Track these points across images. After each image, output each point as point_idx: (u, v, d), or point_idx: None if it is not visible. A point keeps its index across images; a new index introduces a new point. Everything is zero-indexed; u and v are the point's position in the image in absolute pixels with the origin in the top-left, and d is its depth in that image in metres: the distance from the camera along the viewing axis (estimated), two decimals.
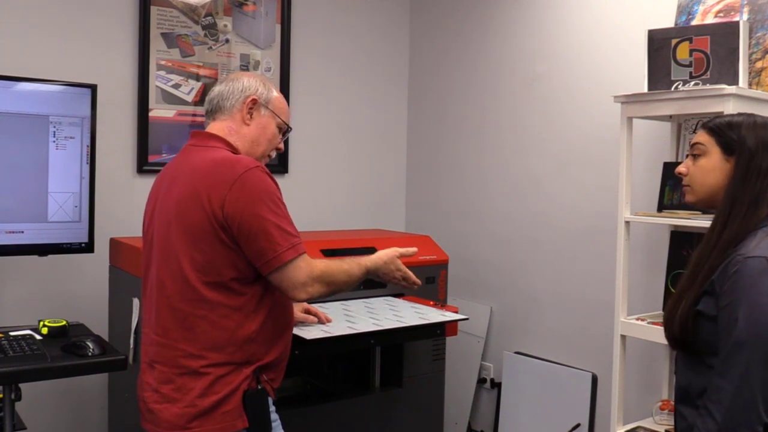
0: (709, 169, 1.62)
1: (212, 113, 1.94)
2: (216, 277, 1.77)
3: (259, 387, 1.83)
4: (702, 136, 1.65)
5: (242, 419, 1.79)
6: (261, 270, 1.78)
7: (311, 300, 1.89)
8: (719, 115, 1.74)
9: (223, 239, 1.75)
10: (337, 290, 1.90)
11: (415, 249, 2.11)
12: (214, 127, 1.92)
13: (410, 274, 2.08)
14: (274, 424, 1.88)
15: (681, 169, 1.69)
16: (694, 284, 1.54)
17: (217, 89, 1.95)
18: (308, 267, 1.80)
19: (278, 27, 3.49)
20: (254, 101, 1.91)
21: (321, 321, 2.29)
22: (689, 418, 1.55)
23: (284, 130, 2.01)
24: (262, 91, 1.93)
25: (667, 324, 1.59)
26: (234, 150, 1.88)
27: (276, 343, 1.88)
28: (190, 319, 1.78)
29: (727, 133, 1.60)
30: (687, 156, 1.69)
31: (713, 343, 1.48)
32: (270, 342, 1.86)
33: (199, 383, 1.78)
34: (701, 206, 1.70)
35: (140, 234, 2.99)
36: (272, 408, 1.89)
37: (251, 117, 1.92)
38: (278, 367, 1.92)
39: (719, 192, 1.60)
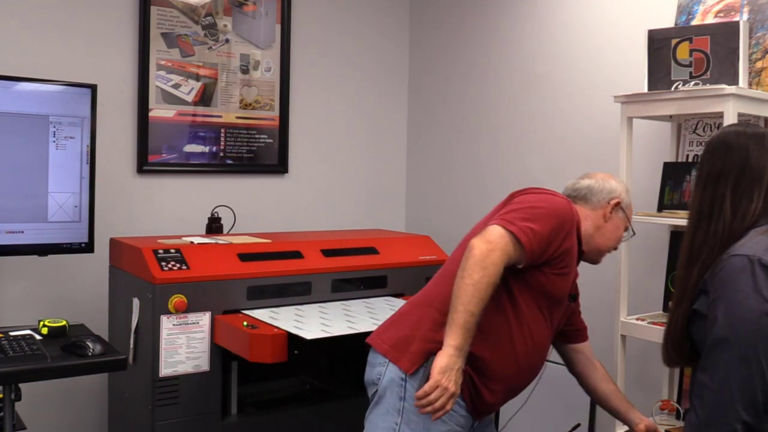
0: None
1: (574, 198, 2.07)
2: None
3: None
4: None
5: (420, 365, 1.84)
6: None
7: (469, 250, 1.81)
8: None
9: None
10: (475, 279, 1.76)
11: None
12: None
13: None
14: (453, 414, 1.84)
15: None
16: (683, 300, 1.54)
17: (586, 183, 2.09)
18: (504, 243, 1.77)
19: (278, 27, 3.49)
20: (618, 204, 2.06)
21: None
22: None
23: (629, 230, 2.15)
24: (624, 198, 2.09)
25: (664, 349, 1.61)
26: (578, 231, 1.97)
27: (495, 348, 1.88)
28: (447, 276, 1.89)
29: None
30: None
31: (705, 341, 1.49)
32: (488, 337, 1.85)
33: (429, 326, 1.86)
34: None
35: (140, 234, 3.02)
36: (461, 403, 1.87)
37: (611, 216, 2.06)
38: (488, 381, 1.89)
39: None
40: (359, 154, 3.82)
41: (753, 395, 1.37)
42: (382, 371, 1.88)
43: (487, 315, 1.78)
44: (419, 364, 1.82)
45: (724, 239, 1.49)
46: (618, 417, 2.19)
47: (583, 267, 3.13)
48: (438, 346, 1.73)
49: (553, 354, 3.14)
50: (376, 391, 1.90)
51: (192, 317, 2.45)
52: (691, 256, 1.54)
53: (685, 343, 1.55)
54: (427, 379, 1.70)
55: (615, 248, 2.13)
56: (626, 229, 2.13)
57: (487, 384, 1.88)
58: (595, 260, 2.14)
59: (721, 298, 1.44)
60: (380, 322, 2.39)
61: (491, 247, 1.73)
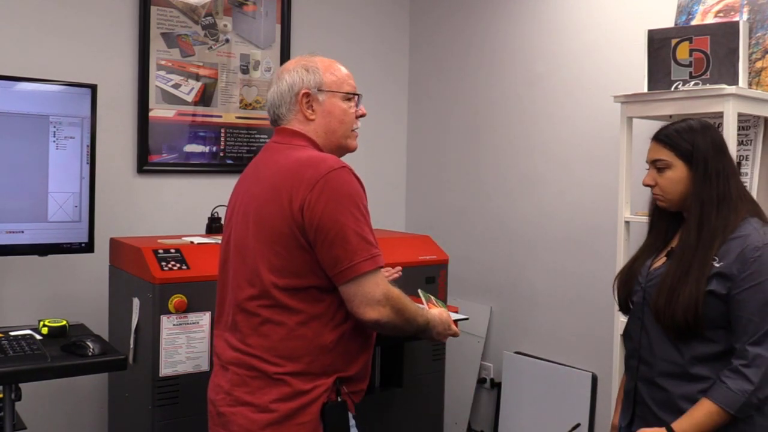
0: (677, 180, 1.80)
1: (276, 122, 1.86)
2: (294, 282, 1.68)
3: (339, 399, 1.73)
4: (660, 152, 1.81)
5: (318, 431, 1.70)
6: (334, 280, 1.67)
7: (378, 324, 1.71)
8: (669, 124, 1.87)
9: (302, 243, 1.66)
10: (401, 324, 1.74)
11: (457, 331, 1.97)
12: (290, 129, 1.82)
13: (457, 331, 1.97)
14: None
15: (648, 181, 1.86)
16: (689, 275, 1.72)
17: (269, 98, 1.85)
18: (385, 285, 1.69)
19: (278, 27, 3.49)
20: (306, 95, 1.80)
21: None
22: (672, 388, 1.75)
23: (352, 97, 1.86)
24: (307, 79, 1.80)
25: (667, 312, 1.74)
26: (319, 148, 1.79)
27: (359, 355, 1.79)
28: (267, 325, 1.70)
29: (681, 144, 1.78)
30: (649, 168, 1.85)
31: (716, 319, 1.70)
32: (351, 354, 1.76)
33: (274, 389, 1.69)
34: (674, 210, 1.86)
35: (140, 234, 3.01)
36: (352, 422, 1.80)
37: (312, 110, 1.81)
38: (362, 380, 1.83)
39: (689, 196, 1.79)
40: (359, 154, 3.78)
41: None
42: None
43: (341, 335, 1.73)
44: (318, 426, 1.73)
45: (734, 224, 1.73)
46: None
47: (583, 267, 3.14)
48: (317, 391, 1.71)
49: (554, 355, 3.15)
50: None
51: (192, 317, 2.45)
52: (704, 241, 1.73)
53: (701, 321, 1.70)
54: None
55: (363, 115, 1.91)
56: (348, 101, 1.84)
57: (361, 381, 1.83)
58: (349, 150, 1.92)
59: None
60: None
61: (384, 307, 1.68)
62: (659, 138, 1.83)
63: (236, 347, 1.75)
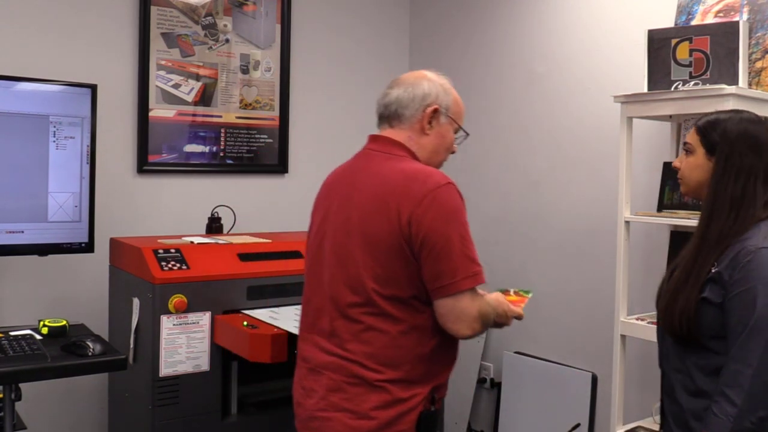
0: (694, 166, 1.71)
1: (389, 119, 1.84)
2: (397, 292, 1.69)
3: (433, 408, 1.75)
4: (691, 136, 1.74)
5: None
6: (432, 294, 1.68)
7: (467, 338, 1.74)
8: (710, 112, 1.78)
9: (407, 256, 1.67)
10: (481, 332, 1.78)
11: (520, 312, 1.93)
12: (393, 135, 1.82)
13: (520, 312, 1.94)
14: None
15: (675, 162, 1.79)
16: (690, 278, 1.61)
17: (394, 94, 1.83)
18: (480, 302, 1.71)
19: (278, 27, 3.49)
20: (435, 110, 1.80)
21: None
22: (684, 403, 1.64)
23: (460, 134, 1.91)
24: (443, 98, 1.82)
25: (667, 317, 1.66)
26: (418, 160, 1.81)
27: (450, 363, 1.83)
28: (370, 332, 1.70)
29: (710, 133, 1.69)
30: (682, 151, 1.79)
31: (714, 327, 1.57)
32: (444, 362, 1.80)
33: (374, 396, 1.70)
34: (692, 197, 1.80)
35: (140, 234, 3.01)
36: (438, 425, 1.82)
37: (431, 126, 1.81)
38: (446, 386, 1.86)
39: (704, 187, 1.68)
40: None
41: None
42: None
43: (437, 344, 1.75)
44: None
45: (745, 228, 1.58)
46: None
47: (583, 267, 3.14)
48: (415, 400, 1.73)
49: (554, 354, 3.15)
50: None
51: (192, 317, 2.45)
52: (709, 241, 1.61)
53: (697, 328, 1.59)
54: None
55: (452, 152, 1.91)
56: (457, 131, 1.88)
57: (446, 385, 1.86)
58: None
59: (759, 287, 1.50)
60: None
61: (476, 324, 1.70)
62: (696, 123, 1.73)
63: (333, 352, 1.75)
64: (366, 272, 1.70)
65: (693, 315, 1.59)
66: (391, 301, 1.70)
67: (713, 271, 1.58)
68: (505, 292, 2.00)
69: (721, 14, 2.44)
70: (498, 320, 1.84)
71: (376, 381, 1.70)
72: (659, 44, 2.41)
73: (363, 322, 1.71)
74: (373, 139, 1.88)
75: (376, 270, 1.69)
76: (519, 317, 1.90)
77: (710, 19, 2.45)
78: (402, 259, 1.68)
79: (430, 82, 1.82)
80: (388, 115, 1.84)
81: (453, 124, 1.85)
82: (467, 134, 1.92)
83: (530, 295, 1.99)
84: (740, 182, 1.61)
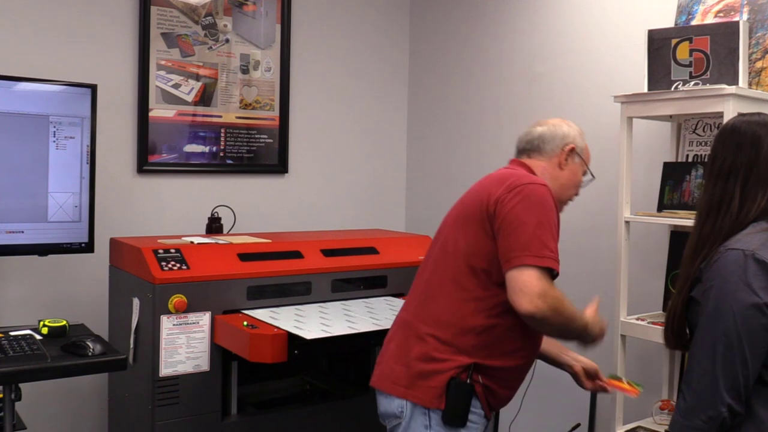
0: None
1: (528, 152, 2.06)
2: (472, 261, 1.84)
3: (468, 381, 1.82)
4: None
5: (440, 401, 1.81)
6: (503, 266, 1.77)
7: (534, 319, 1.75)
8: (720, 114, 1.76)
9: (487, 229, 1.83)
10: (558, 325, 1.79)
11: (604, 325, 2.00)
12: (529, 163, 2.03)
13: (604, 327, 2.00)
14: (472, 426, 1.85)
15: None
16: (680, 279, 1.62)
17: (538, 130, 2.06)
18: (547, 284, 1.74)
19: (278, 27, 3.49)
20: (572, 149, 2.03)
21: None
22: None
23: (587, 177, 2.10)
24: (579, 142, 2.06)
25: (665, 331, 1.67)
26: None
27: (507, 357, 1.87)
28: (434, 289, 1.89)
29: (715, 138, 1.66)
30: None
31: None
32: (498, 349, 1.85)
33: (417, 346, 1.85)
34: None
35: (140, 234, 3.02)
36: (478, 415, 1.86)
37: (567, 163, 2.03)
38: (505, 386, 1.91)
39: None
40: (359, 153, 3.82)
41: (735, 378, 1.44)
42: (403, 405, 1.87)
43: (492, 325, 1.83)
44: (443, 395, 1.82)
45: (727, 232, 1.54)
46: (551, 362, 2.20)
47: (583, 267, 3.14)
48: (450, 364, 1.81)
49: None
50: (399, 423, 1.89)
51: (192, 317, 2.45)
52: (696, 247, 1.59)
53: (684, 328, 1.62)
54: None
55: (577, 194, 2.09)
56: (585, 174, 2.10)
57: (503, 383, 1.91)
58: (559, 211, 2.02)
59: (714, 288, 1.49)
60: (380, 322, 2.40)
61: (541, 302, 1.72)
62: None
63: (405, 309, 1.98)
64: (451, 241, 1.90)
65: (679, 314, 1.60)
66: (466, 268, 1.84)
67: (699, 270, 1.56)
68: (618, 379, 2.15)
69: (721, 14, 2.44)
70: (584, 323, 1.88)
71: (423, 332, 1.86)
72: (659, 44, 2.41)
73: (433, 282, 1.90)
74: (513, 162, 2.09)
75: (460, 239, 1.88)
76: (603, 331, 1.97)
77: (710, 19, 2.45)
78: (484, 233, 1.83)
79: (570, 127, 2.07)
80: (528, 149, 2.06)
81: (583, 166, 2.08)
82: (593, 177, 2.11)
83: (641, 389, 2.13)
84: (728, 182, 1.56)
